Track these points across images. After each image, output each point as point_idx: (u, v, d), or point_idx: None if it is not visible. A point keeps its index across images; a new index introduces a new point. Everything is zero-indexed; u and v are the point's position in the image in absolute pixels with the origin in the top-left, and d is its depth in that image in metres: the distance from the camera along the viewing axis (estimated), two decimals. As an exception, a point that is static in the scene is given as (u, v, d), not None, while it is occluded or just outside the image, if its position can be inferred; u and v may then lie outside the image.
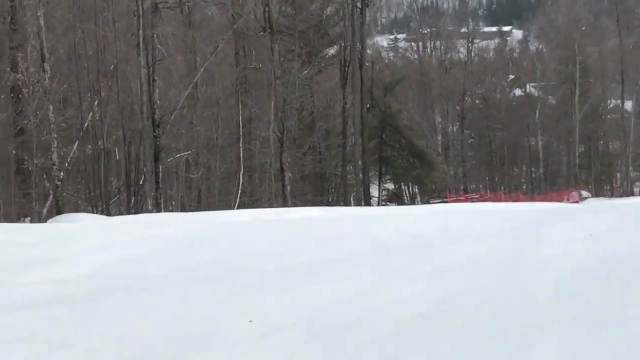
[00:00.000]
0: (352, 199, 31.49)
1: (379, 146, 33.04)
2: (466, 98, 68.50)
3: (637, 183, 69.81)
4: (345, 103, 32.52)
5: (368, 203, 31.80)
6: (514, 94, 74.02)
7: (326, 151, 36.08)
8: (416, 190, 73.47)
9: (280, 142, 25.44)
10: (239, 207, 24.24)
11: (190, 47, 26.97)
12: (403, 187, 76.62)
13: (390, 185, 49.19)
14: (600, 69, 66.73)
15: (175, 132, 24.80)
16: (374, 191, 49.14)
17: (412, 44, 78.02)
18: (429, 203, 62.60)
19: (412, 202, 73.94)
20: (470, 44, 65.49)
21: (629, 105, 65.73)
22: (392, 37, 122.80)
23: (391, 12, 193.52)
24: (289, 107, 28.87)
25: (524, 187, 68.61)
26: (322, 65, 38.10)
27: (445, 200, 54.69)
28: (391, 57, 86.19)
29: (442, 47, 68.13)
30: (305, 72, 32.51)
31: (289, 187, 25.40)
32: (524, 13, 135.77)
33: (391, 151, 34.28)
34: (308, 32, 37.87)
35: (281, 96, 26.26)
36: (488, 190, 68.11)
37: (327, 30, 36.92)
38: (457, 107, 62.65)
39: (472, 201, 55.93)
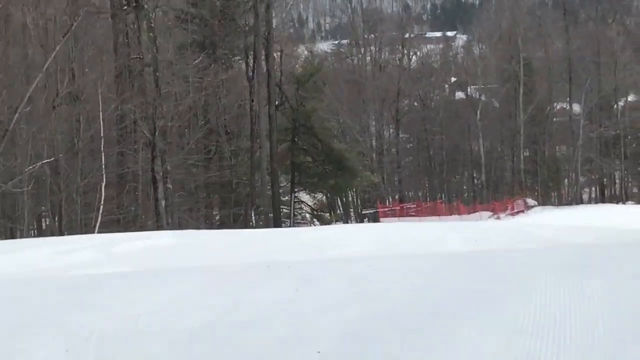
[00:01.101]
0: (254, 215, 27.67)
1: (290, 150, 29.33)
2: (405, 100, 65.73)
3: (586, 189, 68.04)
4: (252, 100, 28.75)
5: (278, 219, 28.10)
6: (456, 96, 71.70)
7: (232, 157, 32.32)
8: (354, 200, 70.94)
9: (152, 145, 21.45)
10: (101, 229, 20.29)
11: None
12: (336, 198, 73.60)
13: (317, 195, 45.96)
14: (547, 68, 64.70)
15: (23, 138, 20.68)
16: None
17: (354, 48, 75.00)
18: (363, 215, 59.92)
19: (345, 214, 71.09)
20: (404, 47, 62.31)
21: (577, 106, 63.80)
22: (335, 42, 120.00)
23: (335, 17, 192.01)
24: (175, 103, 25.08)
25: (467, 194, 66.08)
26: (231, 57, 34.35)
27: (376, 210, 51.63)
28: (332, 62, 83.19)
29: (377, 49, 64.92)
30: (196, 61, 28.55)
31: (163, 202, 21.43)
32: (467, 18, 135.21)
33: (305, 156, 30.66)
34: (213, 20, 34.24)
35: (152, 89, 22.31)
36: (428, 199, 65.52)
37: (234, 18, 33.15)
38: (392, 109, 59.58)
39: (407, 214, 52.95)
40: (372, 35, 62.54)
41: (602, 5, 69.93)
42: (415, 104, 65.65)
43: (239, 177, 32.99)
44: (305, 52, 70.66)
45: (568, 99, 63.86)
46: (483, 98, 67.02)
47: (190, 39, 36.16)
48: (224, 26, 33.78)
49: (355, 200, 68.93)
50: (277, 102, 29.49)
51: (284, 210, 30.91)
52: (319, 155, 29.90)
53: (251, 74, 30.38)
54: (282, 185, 30.80)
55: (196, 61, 28.73)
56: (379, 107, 57.62)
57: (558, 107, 67.90)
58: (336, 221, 40.80)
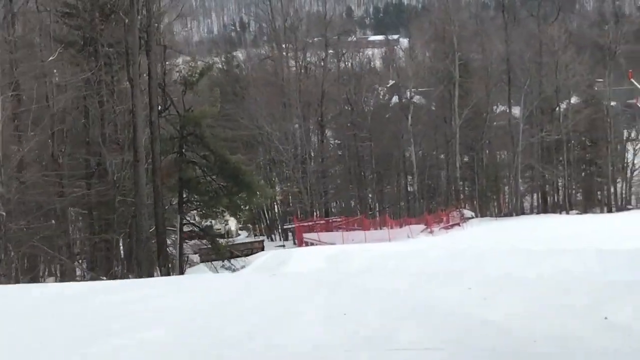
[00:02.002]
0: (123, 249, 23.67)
1: (177, 164, 25.69)
2: (335, 105, 62.62)
3: (527, 198, 65.94)
4: (135, 105, 25.03)
5: (162, 249, 24.18)
6: (393, 101, 69.01)
7: (116, 172, 28.51)
8: (278, 213, 67.44)
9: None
10: None
11: None
12: (260, 211, 69.99)
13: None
14: (484, 69, 62.38)
15: None
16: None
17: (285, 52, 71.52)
18: (285, 230, 56.51)
19: (270, 228, 67.60)
20: (327, 47, 59.00)
21: (517, 110, 61.62)
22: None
23: (277, 21, 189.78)
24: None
25: (400, 205, 63.28)
26: (114, 56, 30.48)
27: (292, 225, 48.34)
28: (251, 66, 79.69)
29: (303, 53, 61.24)
30: (52, 58, 24.64)
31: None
32: (409, 21, 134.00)
33: (194, 171, 27.03)
34: (93, 12, 30.41)
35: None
36: (358, 211, 62.54)
37: (114, 10, 29.26)
38: (317, 114, 56.33)
39: (331, 229, 49.77)
40: (294, 36, 59.19)
41: (543, 2, 68.05)
42: (347, 107, 62.52)
43: (124, 194, 29.19)
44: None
45: (507, 102, 61.53)
46: (416, 100, 64.45)
47: (70, 34, 32.43)
48: (104, 20, 30.10)
49: (278, 213, 65.60)
50: (159, 107, 25.91)
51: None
52: (211, 170, 26.33)
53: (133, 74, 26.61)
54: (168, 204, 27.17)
55: (51, 57, 24.91)
56: (301, 111, 54.28)
57: (497, 110, 65.68)
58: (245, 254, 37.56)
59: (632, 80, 33.02)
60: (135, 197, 25.53)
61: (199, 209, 27.47)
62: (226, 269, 27.46)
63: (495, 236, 40.47)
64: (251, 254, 40.72)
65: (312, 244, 44.90)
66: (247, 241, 49.00)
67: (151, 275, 23.82)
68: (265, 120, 52.94)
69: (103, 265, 29.24)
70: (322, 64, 57.59)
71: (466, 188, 63.34)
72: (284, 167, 55.47)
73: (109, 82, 31.70)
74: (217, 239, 32.52)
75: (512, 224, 48.65)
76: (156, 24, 27.98)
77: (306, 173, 52.97)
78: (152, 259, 24.77)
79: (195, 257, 35.87)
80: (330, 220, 52.25)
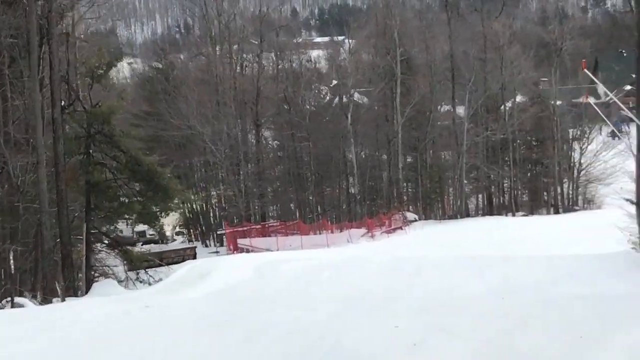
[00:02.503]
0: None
1: (84, 166, 23.19)
2: (274, 105, 60.49)
3: (472, 199, 64.86)
4: (33, 100, 22.52)
5: (67, 263, 21.70)
6: (335, 102, 67.19)
7: (20, 175, 25.88)
8: (214, 217, 64.99)
9: None
10: None
11: None
12: (198, 216, 67.52)
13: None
14: (427, 66, 61.01)
15: None
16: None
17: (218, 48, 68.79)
18: (220, 236, 54.05)
19: (205, 234, 65.17)
20: (262, 41, 56.67)
21: (461, 109, 60.46)
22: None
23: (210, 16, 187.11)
24: None
25: (342, 207, 61.46)
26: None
27: (223, 232, 46.17)
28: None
29: (239, 50, 58.61)
30: None
31: None
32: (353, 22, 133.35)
33: (103, 173, 24.51)
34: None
35: None
36: (298, 214, 60.63)
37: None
38: (253, 113, 54.05)
39: (266, 234, 47.72)
40: (228, 31, 56.81)
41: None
42: (285, 107, 60.38)
43: (30, 200, 26.54)
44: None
45: (451, 100, 60.28)
46: (358, 100, 62.89)
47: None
48: (6, 7, 27.40)
49: (214, 217, 63.34)
50: (63, 102, 23.43)
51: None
52: (121, 172, 23.92)
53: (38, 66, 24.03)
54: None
55: None
56: (236, 110, 51.92)
57: (442, 110, 64.49)
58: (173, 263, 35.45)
59: (586, 70, 32.34)
60: (40, 204, 23.06)
61: (105, 218, 24.95)
62: (140, 281, 25.12)
63: (439, 240, 38.92)
64: (182, 261, 39.00)
65: (247, 251, 42.93)
66: (178, 248, 46.63)
67: (54, 292, 21.41)
68: (197, 119, 50.53)
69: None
70: (257, 59, 55.33)
71: (409, 190, 61.88)
72: (218, 169, 53.10)
73: (12, 76, 28.94)
74: (131, 247, 30.11)
75: (457, 226, 47.28)
76: (62, 12, 25.45)
77: (241, 175, 50.70)
78: (55, 272, 22.33)
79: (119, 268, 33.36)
80: (267, 225, 50.18)
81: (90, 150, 23.88)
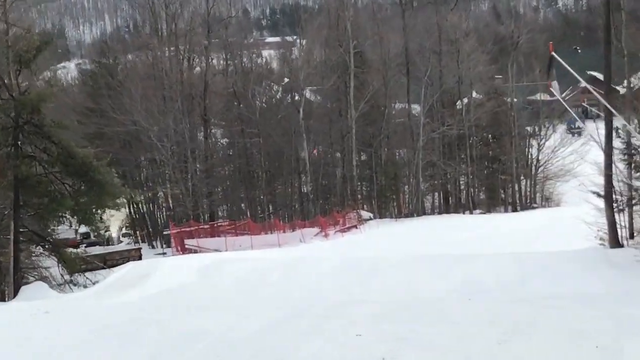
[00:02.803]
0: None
1: (12, 159, 21.19)
2: (223, 100, 58.61)
3: (428, 197, 63.90)
4: (-43, 86, 20.53)
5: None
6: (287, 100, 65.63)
7: None
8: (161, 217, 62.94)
9: None
10: None
11: None
12: (145, 215, 65.44)
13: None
14: (382, 60, 59.77)
15: None
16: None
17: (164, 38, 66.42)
18: (167, 237, 52.08)
19: (152, 235, 63.04)
20: (209, 38, 54.58)
21: (417, 106, 59.46)
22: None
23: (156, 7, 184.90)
24: None
25: (294, 206, 59.92)
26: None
27: (169, 232, 44.34)
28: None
29: (187, 46, 56.32)
30: None
31: None
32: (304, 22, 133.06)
33: (33, 167, 22.55)
34: None
35: None
36: (248, 213, 58.91)
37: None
38: (201, 107, 52.06)
39: (214, 234, 46.06)
40: (174, 24, 54.75)
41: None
42: (234, 103, 58.51)
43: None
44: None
45: (406, 94, 59.19)
46: (310, 97, 61.57)
47: None
48: None
49: (160, 217, 61.33)
50: (-16, 89, 21.48)
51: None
52: (52, 165, 22.04)
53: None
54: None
55: None
56: (182, 105, 49.87)
57: (396, 105, 63.41)
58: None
59: (554, 53, 32.09)
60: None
61: (38, 214, 23.01)
62: (75, 284, 23.26)
63: (396, 239, 37.71)
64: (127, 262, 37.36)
65: (195, 252, 41.24)
66: (123, 249, 44.67)
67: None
68: (142, 115, 48.43)
69: None
70: (205, 52, 53.38)
71: (364, 188, 60.55)
72: (165, 167, 51.08)
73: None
74: (71, 248, 28.16)
75: (414, 225, 46.17)
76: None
77: (188, 173, 48.77)
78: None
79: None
80: (216, 225, 48.37)
81: (19, 142, 21.95)
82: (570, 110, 42.50)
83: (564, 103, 43.39)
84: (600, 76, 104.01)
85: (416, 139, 55.48)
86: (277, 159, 58.54)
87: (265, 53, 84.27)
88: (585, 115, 72.95)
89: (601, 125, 22.21)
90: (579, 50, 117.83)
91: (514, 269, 18.80)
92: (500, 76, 66.43)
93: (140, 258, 41.01)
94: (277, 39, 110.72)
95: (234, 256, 26.82)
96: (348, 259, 23.88)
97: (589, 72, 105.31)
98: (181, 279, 20.32)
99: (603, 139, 21.15)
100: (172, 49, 54.29)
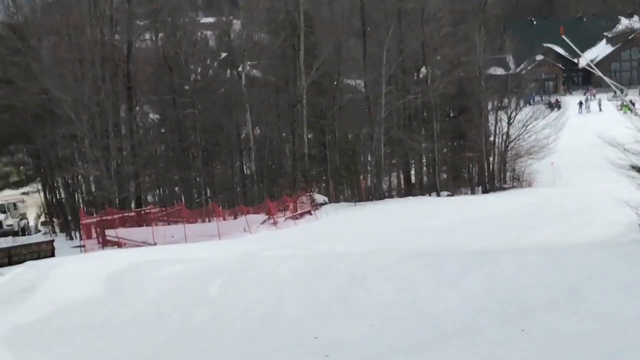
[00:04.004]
0: None
1: None
2: (151, 66, 52.82)
3: (389, 177, 59.22)
4: None
5: None
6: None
7: None
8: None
9: None
10: None
11: None
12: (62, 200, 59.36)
13: None
14: (336, 20, 54.70)
15: None
16: None
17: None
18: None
19: (71, 223, 57.02)
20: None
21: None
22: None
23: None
24: None
25: (237, 189, 54.50)
26: None
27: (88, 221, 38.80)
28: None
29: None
30: None
31: None
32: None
33: None
34: None
35: None
36: (183, 198, 53.51)
37: None
38: (124, 72, 46.07)
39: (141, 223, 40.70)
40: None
41: None
42: (165, 77, 52.41)
43: None
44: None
45: (362, 61, 54.14)
46: (249, 69, 56.21)
47: None
48: None
49: (79, 204, 55.22)
50: None
51: None
52: None
53: None
54: None
55: None
56: (101, 71, 43.72)
57: (353, 73, 58.67)
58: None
59: (564, 37, 29.53)
60: None
61: None
62: None
63: (362, 227, 32.80)
64: (37, 258, 32.02)
65: (119, 245, 35.85)
66: (32, 242, 39.13)
67: None
68: (53, 82, 42.46)
69: None
70: (128, 6, 47.11)
71: (317, 168, 55.44)
72: (81, 144, 45.15)
73: None
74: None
75: (379, 210, 41.46)
76: None
77: (110, 151, 42.86)
78: None
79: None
80: (143, 212, 42.76)
81: None
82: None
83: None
84: (558, 49, 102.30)
85: (377, 109, 50.48)
86: (216, 135, 52.80)
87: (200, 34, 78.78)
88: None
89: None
90: (534, 22, 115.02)
91: (552, 273, 13.96)
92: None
93: (52, 252, 36.26)
94: (212, 19, 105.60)
95: (161, 255, 21.41)
96: (315, 257, 18.77)
97: (545, 45, 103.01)
98: (80, 293, 14.98)
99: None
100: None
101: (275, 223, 39.29)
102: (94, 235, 39.45)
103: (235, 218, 41.60)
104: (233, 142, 51.38)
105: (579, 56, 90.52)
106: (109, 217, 38.29)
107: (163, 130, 57.19)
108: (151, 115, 59.37)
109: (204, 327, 12.30)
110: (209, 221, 41.11)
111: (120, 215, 39.91)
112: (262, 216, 40.99)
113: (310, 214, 42.52)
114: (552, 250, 16.65)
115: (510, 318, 11.56)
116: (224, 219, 40.59)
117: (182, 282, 15.73)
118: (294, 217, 41.46)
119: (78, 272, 16.97)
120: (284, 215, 41.64)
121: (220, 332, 11.96)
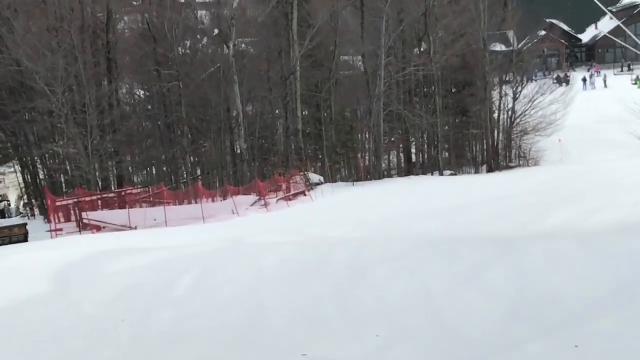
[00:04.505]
0: None
1: None
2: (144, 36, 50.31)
3: (389, 155, 57.05)
4: None
5: None
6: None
7: None
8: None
9: None
10: None
11: None
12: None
13: None
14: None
15: None
16: None
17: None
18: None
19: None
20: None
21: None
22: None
23: None
24: None
25: (227, 168, 52.13)
26: None
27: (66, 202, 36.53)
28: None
29: None
30: None
31: None
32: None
33: None
34: None
35: None
36: (171, 179, 51.18)
37: None
38: (102, 41, 43.49)
39: (125, 204, 38.32)
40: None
41: None
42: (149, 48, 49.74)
43: None
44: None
45: (360, 31, 51.63)
46: (244, 46, 53.86)
47: None
48: None
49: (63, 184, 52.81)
50: None
51: None
52: None
53: None
54: None
55: None
56: (78, 39, 41.14)
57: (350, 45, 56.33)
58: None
59: (597, 1, 27.29)
60: None
61: None
62: None
63: (363, 210, 30.30)
64: (9, 243, 31.58)
65: (98, 229, 33.62)
66: (3, 225, 37.28)
67: None
68: (25, 52, 39.96)
69: None
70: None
71: (312, 146, 53.07)
72: (57, 120, 42.58)
73: None
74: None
75: (379, 190, 39.12)
76: None
77: (87, 126, 40.34)
78: None
79: None
80: (123, 193, 40.33)
81: None
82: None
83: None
84: (561, 24, 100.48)
85: (376, 82, 48.03)
86: (204, 111, 50.25)
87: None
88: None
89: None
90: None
91: (592, 266, 11.43)
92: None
93: (26, 237, 34.51)
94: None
95: (132, 241, 18.97)
96: (307, 244, 16.35)
97: (548, 20, 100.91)
98: (19, 291, 12.51)
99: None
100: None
101: (266, 205, 37.06)
102: (73, 218, 37.37)
103: (224, 199, 39.40)
104: (222, 118, 48.81)
105: (583, 31, 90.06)
106: (79, 199, 35.90)
107: (150, 107, 54.69)
108: (136, 91, 56.95)
109: (163, 338, 9.91)
110: (196, 203, 38.84)
111: (93, 196, 37.52)
112: (252, 197, 38.82)
113: (305, 195, 40.30)
114: (588, 236, 14.18)
115: (552, 326, 9.10)
116: (213, 201, 38.38)
117: (145, 276, 13.30)
118: (287, 198, 39.23)
119: (24, 265, 14.54)
120: (276, 196, 39.43)
121: (182, 346, 9.53)
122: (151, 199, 38.96)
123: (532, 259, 11.91)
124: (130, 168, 53.39)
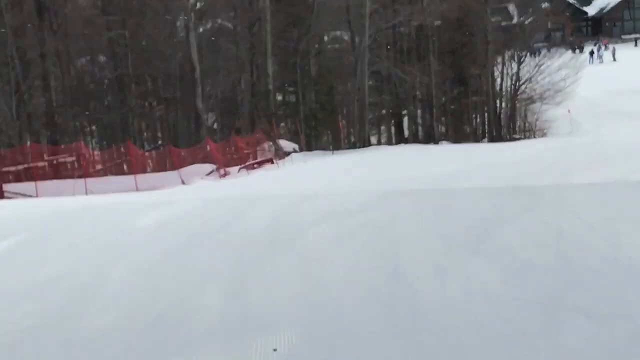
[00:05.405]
0: None
1: None
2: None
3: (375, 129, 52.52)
4: None
5: None
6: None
7: None
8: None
9: None
10: None
11: None
12: None
13: None
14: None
15: None
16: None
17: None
18: None
19: None
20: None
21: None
22: None
23: None
24: None
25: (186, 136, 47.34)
26: None
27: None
28: None
29: None
30: None
31: None
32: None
33: None
34: None
35: None
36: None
37: None
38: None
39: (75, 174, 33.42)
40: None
41: None
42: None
43: None
44: None
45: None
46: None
47: None
48: None
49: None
50: None
51: None
52: None
53: None
54: None
55: None
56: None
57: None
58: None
59: None
60: None
61: None
62: None
63: (330, 175, 25.27)
64: None
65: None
66: None
67: None
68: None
69: None
70: None
71: (286, 110, 48.35)
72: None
73: None
74: None
75: (360, 157, 34.16)
76: None
77: (11, 80, 35.29)
78: None
79: None
80: (55, 162, 35.28)
81: None
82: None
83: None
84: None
85: (359, 38, 43.29)
86: (156, 61, 44.97)
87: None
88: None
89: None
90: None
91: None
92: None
93: None
94: None
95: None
96: (220, 201, 11.44)
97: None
98: None
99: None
100: None
101: (224, 174, 32.31)
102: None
103: (184, 166, 34.51)
104: (177, 72, 43.56)
105: (589, 4, 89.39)
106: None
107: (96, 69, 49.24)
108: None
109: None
110: (142, 174, 33.96)
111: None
112: (210, 166, 34.10)
113: (272, 163, 35.55)
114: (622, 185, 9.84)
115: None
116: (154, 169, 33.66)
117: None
118: (250, 167, 34.42)
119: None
120: (239, 165, 34.73)
121: None
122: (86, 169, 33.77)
123: (556, 212, 7.25)
124: (78, 136, 48.32)
